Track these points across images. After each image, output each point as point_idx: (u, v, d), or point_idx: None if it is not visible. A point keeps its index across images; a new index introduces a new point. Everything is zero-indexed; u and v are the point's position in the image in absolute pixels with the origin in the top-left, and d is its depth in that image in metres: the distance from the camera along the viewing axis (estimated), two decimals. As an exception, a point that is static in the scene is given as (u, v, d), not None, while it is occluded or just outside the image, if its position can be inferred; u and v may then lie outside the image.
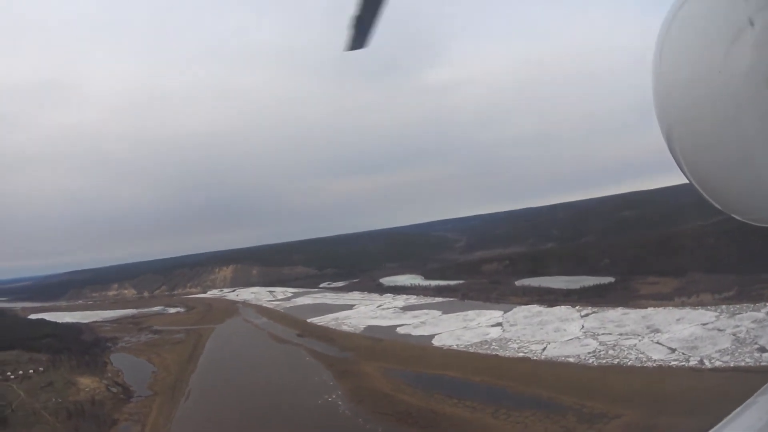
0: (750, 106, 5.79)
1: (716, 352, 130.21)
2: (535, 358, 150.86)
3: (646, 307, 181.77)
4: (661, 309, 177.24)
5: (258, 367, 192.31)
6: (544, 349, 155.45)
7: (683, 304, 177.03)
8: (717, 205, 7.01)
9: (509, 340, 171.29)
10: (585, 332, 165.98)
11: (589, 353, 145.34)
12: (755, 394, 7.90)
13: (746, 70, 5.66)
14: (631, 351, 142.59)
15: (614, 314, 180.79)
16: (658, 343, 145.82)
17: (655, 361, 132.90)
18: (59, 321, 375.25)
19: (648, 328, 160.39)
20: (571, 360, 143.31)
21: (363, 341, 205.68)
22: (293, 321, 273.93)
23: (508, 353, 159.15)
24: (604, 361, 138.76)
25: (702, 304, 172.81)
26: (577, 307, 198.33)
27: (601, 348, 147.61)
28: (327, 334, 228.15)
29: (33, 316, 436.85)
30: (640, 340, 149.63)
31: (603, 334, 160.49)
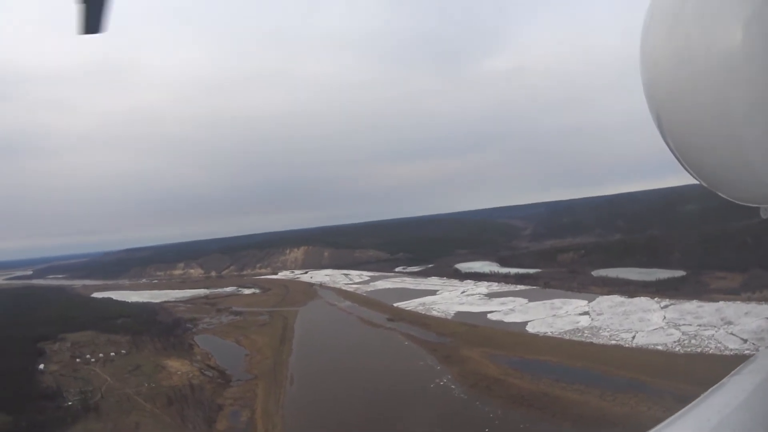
0: (734, 86, 6.12)
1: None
2: (626, 345, 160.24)
3: (718, 301, 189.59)
4: (730, 303, 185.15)
5: (357, 351, 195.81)
6: (633, 337, 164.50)
7: (749, 299, 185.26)
8: (705, 185, 7.57)
9: (600, 328, 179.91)
10: (667, 322, 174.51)
11: (674, 342, 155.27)
12: (729, 375, 8.54)
13: (731, 49, 5.91)
14: (710, 341, 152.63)
15: (690, 306, 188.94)
16: (731, 334, 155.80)
17: (731, 350, 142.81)
18: (128, 300, 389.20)
19: (722, 320, 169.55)
20: (660, 348, 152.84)
21: (458, 327, 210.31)
22: (379, 305, 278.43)
23: (601, 341, 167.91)
24: (689, 350, 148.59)
25: (766, 300, 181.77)
26: (656, 299, 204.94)
27: (684, 337, 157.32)
28: (419, 320, 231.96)
29: (97, 295, 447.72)
30: (716, 331, 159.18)
31: (683, 324, 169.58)
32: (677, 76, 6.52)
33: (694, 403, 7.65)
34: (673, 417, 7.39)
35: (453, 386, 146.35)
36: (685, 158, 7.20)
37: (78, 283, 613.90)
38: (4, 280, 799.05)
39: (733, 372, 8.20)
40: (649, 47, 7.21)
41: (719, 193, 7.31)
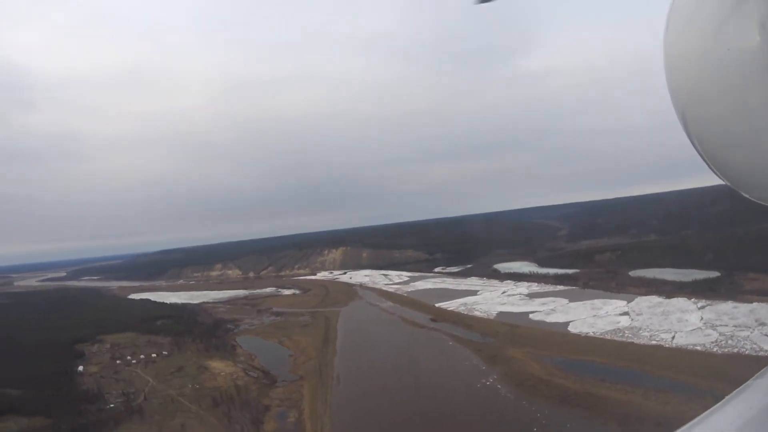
0: (759, 85, 5.82)
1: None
2: (666, 345, 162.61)
3: (752, 302, 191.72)
4: (764, 304, 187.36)
5: (402, 351, 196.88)
6: (672, 337, 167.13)
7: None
8: (731, 185, 7.26)
9: (640, 328, 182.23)
10: (704, 323, 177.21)
11: (711, 342, 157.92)
12: (752, 378, 8.07)
13: (751, 48, 5.69)
14: (746, 341, 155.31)
15: (726, 307, 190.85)
16: (766, 335, 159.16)
17: (766, 351, 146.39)
18: (166, 302, 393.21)
19: (756, 321, 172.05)
20: (698, 348, 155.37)
21: (501, 327, 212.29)
22: (421, 305, 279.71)
23: (642, 341, 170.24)
24: (726, 350, 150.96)
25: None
26: (692, 299, 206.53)
27: (721, 338, 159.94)
28: (462, 320, 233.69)
29: (134, 296, 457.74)
30: (751, 332, 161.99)
31: (720, 325, 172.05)
32: (700, 75, 6.58)
33: (716, 406, 7.70)
34: (696, 419, 7.48)
35: (499, 386, 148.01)
36: (710, 158, 7.28)
37: (114, 284, 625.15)
38: (37, 282, 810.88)
39: (756, 375, 8.02)
40: (671, 47, 7.28)
41: (744, 194, 7.42)
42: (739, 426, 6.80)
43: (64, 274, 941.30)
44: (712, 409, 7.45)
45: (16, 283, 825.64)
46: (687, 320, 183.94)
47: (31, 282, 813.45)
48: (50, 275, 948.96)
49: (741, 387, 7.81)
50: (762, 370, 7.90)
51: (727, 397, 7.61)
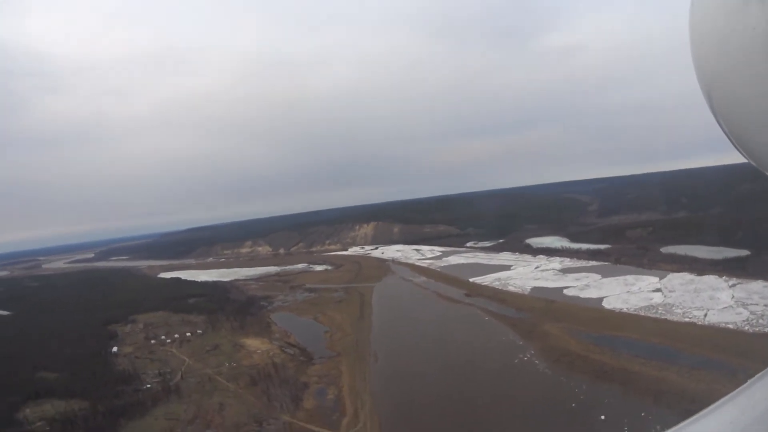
0: None
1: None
2: (699, 323, 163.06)
3: None
4: None
5: (439, 327, 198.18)
6: (705, 315, 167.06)
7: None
8: (755, 164, 6.88)
9: (672, 305, 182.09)
10: (736, 301, 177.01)
11: (743, 321, 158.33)
12: (753, 378, 7.63)
13: None
14: None
15: (756, 286, 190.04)
16: None
17: None
18: (197, 280, 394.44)
19: None
20: (730, 326, 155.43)
21: (536, 302, 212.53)
22: (454, 280, 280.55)
23: (675, 318, 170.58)
24: (757, 329, 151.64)
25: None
26: (723, 277, 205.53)
27: (752, 317, 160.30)
28: (496, 295, 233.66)
29: (164, 275, 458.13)
30: None
31: (751, 304, 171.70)
32: (725, 55, 6.16)
33: (716, 404, 7.60)
34: (696, 416, 7.52)
35: (537, 361, 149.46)
36: (735, 137, 6.89)
37: (142, 263, 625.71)
38: (65, 263, 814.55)
39: (757, 376, 7.63)
40: (697, 25, 6.84)
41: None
42: (741, 427, 6.93)
43: (92, 255, 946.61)
44: (711, 407, 7.69)
45: (44, 266, 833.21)
46: (718, 298, 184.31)
47: (59, 264, 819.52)
48: (78, 257, 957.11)
49: (741, 387, 7.79)
50: (764, 371, 7.70)
51: (727, 396, 7.71)
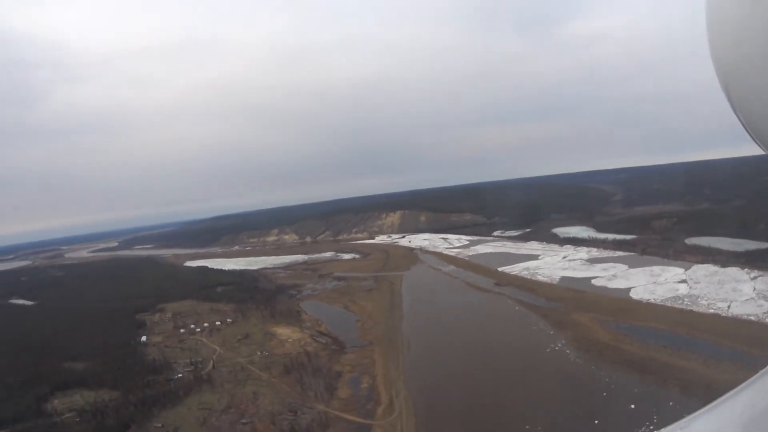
0: None
1: None
2: (723, 314, 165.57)
3: None
4: None
5: (470, 316, 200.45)
6: (728, 306, 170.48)
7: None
8: None
9: (698, 296, 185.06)
10: (757, 294, 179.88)
11: (764, 313, 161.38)
12: (756, 375, 7.85)
13: None
14: None
15: None
16: None
17: None
18: (224, 268, 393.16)
19: None
20: (752, 318, 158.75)
21: (565, 292, 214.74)
22: (483, 269, 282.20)
23: (700, 309, 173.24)
24: None
25: None
26: (746, 269, 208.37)
27: None
28: (525, 284, 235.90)
29: (191, 264, 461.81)
30: None
31: None
32: (742, 44, 6.12)
33: (719, 400, 7.72)
34: (698, 412, 7.67)
35: (568, 351, 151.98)
36: (752, 128, 6.81)
37: (167, 252, 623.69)
38: (89, 252, 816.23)
39: (760, 373, 7.73)
40: (714, 14, 6.79)
41: None
42: (744, 423, 7.10)
43: (116, 244, 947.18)
44: (714, 402, 7.79)
45: (66, 255, 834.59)
46: (741, 290, 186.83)
47: (82, 253, 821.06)
48: (102, 245, 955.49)
49: (744, 383, 7.87)
50: (766, 368, 7.79)
51: (729, 393, 7.79)
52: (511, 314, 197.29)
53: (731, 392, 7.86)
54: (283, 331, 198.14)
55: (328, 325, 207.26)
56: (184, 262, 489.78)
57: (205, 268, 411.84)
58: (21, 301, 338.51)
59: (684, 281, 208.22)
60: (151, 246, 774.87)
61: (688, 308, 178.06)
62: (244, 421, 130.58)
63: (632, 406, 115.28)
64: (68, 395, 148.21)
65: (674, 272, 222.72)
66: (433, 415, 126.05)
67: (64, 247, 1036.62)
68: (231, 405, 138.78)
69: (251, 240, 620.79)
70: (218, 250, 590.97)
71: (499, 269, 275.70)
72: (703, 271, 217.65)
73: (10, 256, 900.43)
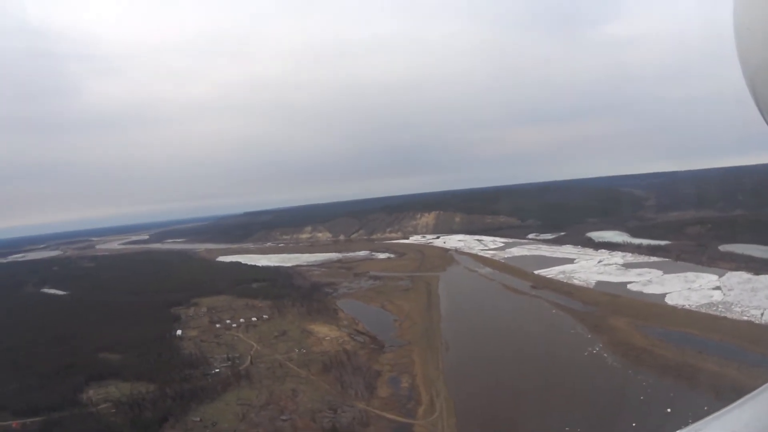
0: None
1: None
2: (756, 322, 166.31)
3: None
4: None
5: (507, 318, 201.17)
6: (762, 314, 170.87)
7: None
8: None
9: (732, 303, 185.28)
10: None
11: None
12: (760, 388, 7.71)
13: None
14: None
15: None
16: None
17: None
18: (258, 264, 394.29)
19: None
20: None
21: (601, 297, 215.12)
22: (520, 272, 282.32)
23: (734, 316, 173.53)
24: None
25: None
26: None
27: None
28: (562, 288, 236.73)
29: (223, 259, 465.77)
30: None
31: None
32: None
33: (732, 405, 7.56)
34: (710, 417, 7.47)
35: (605, 355, 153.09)
36: None
37: (199, 246, 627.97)
38: (120, 244, 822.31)
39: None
40: (741, 16, 6.77)
41: None
42: (757, 429, 6.85)
43: (147, 236, 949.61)
44: (726, 408, 7.64)
45: (97, 246, 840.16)
46: None
47: (113, 245, 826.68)
48: (132, 238, 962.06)
49: (759, 389, 7.76)
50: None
51: (743, 398, 7.67)
52: (549, 317, 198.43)
53: (744, 398, 7.87)
54: (320, 329, 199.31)
55: (366, 324, 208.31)
56: (217, 257, 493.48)
57: (238, 263, 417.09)
58: (53, 291, 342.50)
59: (718, 288, 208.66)
60: (182, 240, 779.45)
61: (722, 315, 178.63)
62: (284, 417, 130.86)
63: (668, 410, 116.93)
64: (103, 386, 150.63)
65: (708, 279, 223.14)
66: (474, 416, 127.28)
67: (95, 239, 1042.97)
68: (270, 401, 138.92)
69: (284, 237, 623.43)
70: (251, 245, 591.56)
71: (536, 272, 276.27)
72: (736, 278, 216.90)
73: (41, 246, 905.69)
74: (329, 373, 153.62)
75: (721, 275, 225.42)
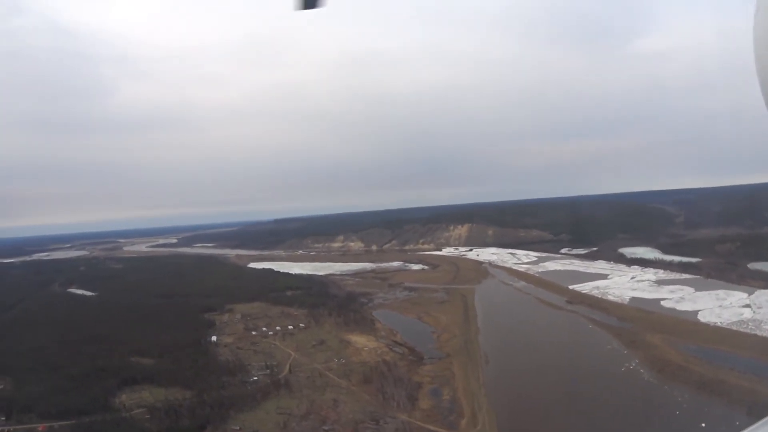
0: None
1: None
2: None
3: None
4: None
5: (545, 332, 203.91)
6: None
7: None
8: None
9: (761, 321, 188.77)
10: None
11: None
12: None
13: None
14: None
15: None
16: None
17: None
18: (291, 272, 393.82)
19: None
20: None
21: (635, 313, 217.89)
22: (554, 287, 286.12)
23: (764, 334, 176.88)
24: None
25: None
26: None
27: None
28: (597, 303, 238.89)
29: (255, 265, 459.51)
30: None
31: None
32: None
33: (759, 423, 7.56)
34: (751, 428, 7.63)
35: (642, 370, 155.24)
36: None
37: (229, 252, 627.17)
38: (147, 247, 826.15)
39: None
40: (762, 26, 6.84)
41: None
42: None
43: (175, 240, 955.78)
44: (757, 424, 7.94)
45: (125, 248, 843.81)
46: None
47: (141, 247, 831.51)
48: (161, 241, 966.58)
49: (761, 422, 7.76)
50: None
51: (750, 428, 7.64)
52: (585, 332, 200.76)
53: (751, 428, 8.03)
54: (358, 339, 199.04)
55: (404, 335, 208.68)
56: (248, 263, 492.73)
57: (271, 270, 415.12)
58: (80, 291, 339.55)
59: (748, 306, 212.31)
60: (211, 245, 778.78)
61: (753, 332, 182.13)
62: (325, 428, 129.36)
63: (703, 425, 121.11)
64: (136, 391, 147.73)
65: (738, 297, 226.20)
66: (516, 430, 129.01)
67: (122, 240, 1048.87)
68: (311, 411, 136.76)
69: (316, 245, 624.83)
70: (282, 253, 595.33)
71: (570, 287, 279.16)
72: (766, 296, 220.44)
73: (67, 245, 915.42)
74: (370, 384, 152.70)
75: (750, 293, 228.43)
